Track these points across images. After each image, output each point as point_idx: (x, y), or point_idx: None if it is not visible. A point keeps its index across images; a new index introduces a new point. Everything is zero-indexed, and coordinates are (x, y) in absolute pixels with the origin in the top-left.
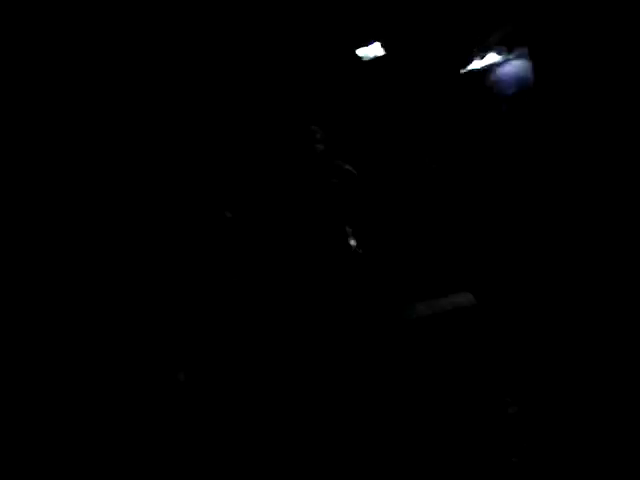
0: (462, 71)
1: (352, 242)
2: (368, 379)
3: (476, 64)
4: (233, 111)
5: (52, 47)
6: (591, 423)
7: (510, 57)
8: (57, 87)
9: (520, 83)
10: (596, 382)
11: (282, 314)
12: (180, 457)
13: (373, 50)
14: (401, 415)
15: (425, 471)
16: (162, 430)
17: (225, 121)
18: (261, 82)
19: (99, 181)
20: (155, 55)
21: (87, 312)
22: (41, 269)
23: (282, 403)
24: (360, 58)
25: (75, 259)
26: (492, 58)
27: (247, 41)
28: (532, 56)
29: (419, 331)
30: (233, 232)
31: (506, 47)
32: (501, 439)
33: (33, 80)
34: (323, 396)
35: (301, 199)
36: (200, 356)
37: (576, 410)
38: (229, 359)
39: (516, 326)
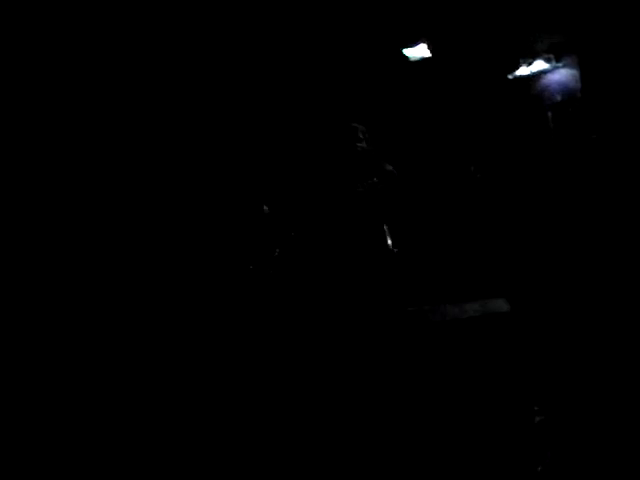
0: (509, 77)
1: (389, 241)
2: (394, 380)
3: (523, 70)
4: (279, 107)
5: (52, 47)
6: (619, 436)
7: (558, 65)
8: (57, 88)
9: (566, 91)
10: (627, 396)
11: (316, 309)
12: (180, 457)
13: (420, 51)
14: (427, 419)
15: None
16: (162, 430)
17: (270, 117)
18: (308, 79)
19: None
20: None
21: (92, 312)
22: (41, 269)
23: (307, 401)
24: (407, 58)
25: (87, 258)
26: (540, 65)
27: (297, 38)
28: (580, 65)
29: (449, 333)
30: (270, 228)
31: (554, 55)
32: (526, 447)
33: (33, 81)
34: (348, 395)
35: (341, 196)
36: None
37: (605, 422)
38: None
39: (548, 335)
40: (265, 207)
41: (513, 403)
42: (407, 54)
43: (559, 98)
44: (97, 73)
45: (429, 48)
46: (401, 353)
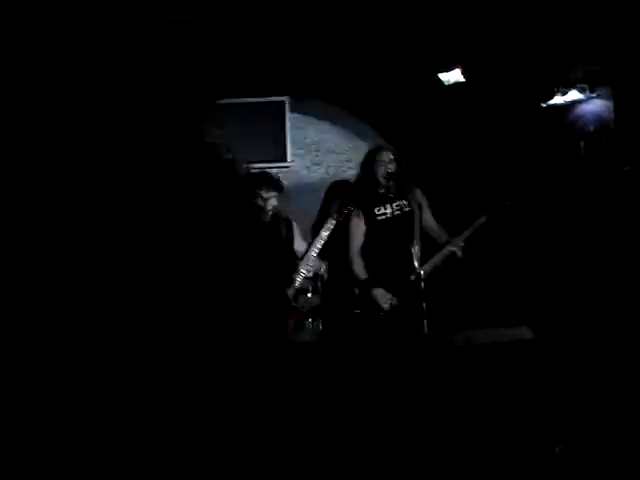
0: (543, 105)
1: (415, 263)
2: (414, 403)
3: (557, 99)
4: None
5: (52, 48)
6: None
7: (592, 95)
8: (58, 89)
9: (600, 122)
10: None
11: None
12: (180, 457)
13: (454, 76)
14: (446, 444)
15: None
16: (162, 430)
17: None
18: (343, 101)
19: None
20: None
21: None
22: (41, 269)
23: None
24: (441, 82)
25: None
26: (574, 95)
27: (332, 62)
28: (614, 96)
29: (470, 359)
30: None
31: (588, 85)
32: (545, 478)
33: (33, 81)
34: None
35: (369, 218)
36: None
37: (627, 454)
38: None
39: (571, 364)
40: (294, 223)
41: (533, 432)
42: (441, 78)
43: (592, 128)
44: (97, 73)
45: (463, 73)
46: (423, 377)
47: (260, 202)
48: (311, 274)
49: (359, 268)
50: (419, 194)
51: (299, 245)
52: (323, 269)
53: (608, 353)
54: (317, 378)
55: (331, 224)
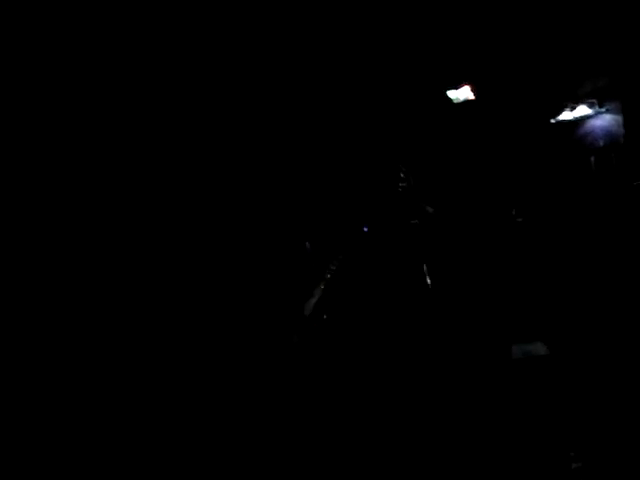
0: (552, 121)
1: (428, 280)
2: (428, 422)
3: (567, 115)
4: (323, 147)
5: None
6: None
7: (601, 110)
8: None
9: (609, 136)
10: None
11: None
12: (180, 457)
13: (463, 93)
14: (462, 459)
15: None
16: (163, 430)
17: (314, 155)
18: (355, 120)
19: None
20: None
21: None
22: (41, 269)
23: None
24: (450, 100)
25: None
26: (583, 111)
27: (344, 82)
28: (623, 111)
29: (488, 375)
30: (313, 265)
31: (597, 100)
32: None
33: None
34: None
35: (381, 235)
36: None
37: None
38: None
39: (587, 380)
40: (307, 244)
41: (550, 448)
42: (451, 96)
43: (602, 143)
44: (97, 73)
45: (473, 90)
46: (437, 393)
47: None
48: None
49: None
50: (429, 209)
51: None
52: None
53: (622, 367)
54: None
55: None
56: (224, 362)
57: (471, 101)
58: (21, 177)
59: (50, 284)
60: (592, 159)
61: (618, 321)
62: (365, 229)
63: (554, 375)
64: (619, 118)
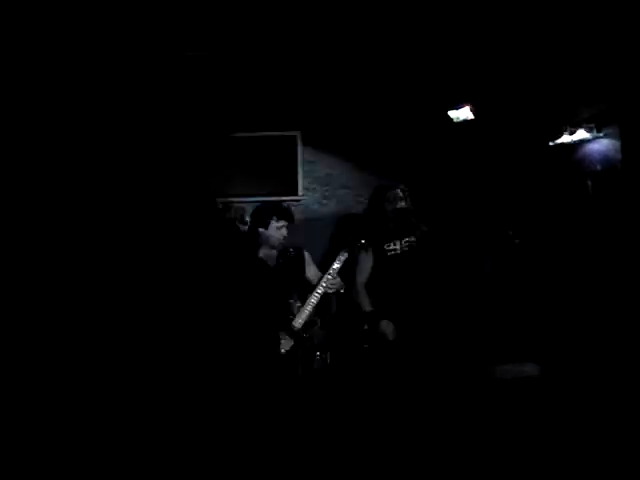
0: (551, 144)
1: (420, 296)
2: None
3: (565, 138)
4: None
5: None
6: None
7: (599, 135)
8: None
9: (607, 161)
10: None
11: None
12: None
13: (463, 113)
14: None
15: None
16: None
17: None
18: (354, 138)
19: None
20: None
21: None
22: (41, 269)
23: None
24: (450, 119)
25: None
26: (581, 134)
27: (346, 96)
28: (621, 136)
29: (479, 396)
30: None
31: (595, 124)
32: None
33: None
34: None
35: (378, 255)
36: None
37: None
38: None
39: (581, 402)
40: (305, 253)
41: (542, 470)
42: (451, 115)
43: (599, 167)
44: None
45: (472, 110)
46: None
47: (272, 231)
48: (332, 291)
49: (364, 300)
50: (424, 228)
51: (311, 273)
52: (343, 289)
53: (615, 390)
54: (325, 408)
55: (343, 257)
56: (224, 362)
57: (471, 121)
58: (21, 177)
59: (47, 284)
60: (589, 183)
61: (616, 342)
62: (363, 242)
63: (547, 398)
64: (617, 143)
